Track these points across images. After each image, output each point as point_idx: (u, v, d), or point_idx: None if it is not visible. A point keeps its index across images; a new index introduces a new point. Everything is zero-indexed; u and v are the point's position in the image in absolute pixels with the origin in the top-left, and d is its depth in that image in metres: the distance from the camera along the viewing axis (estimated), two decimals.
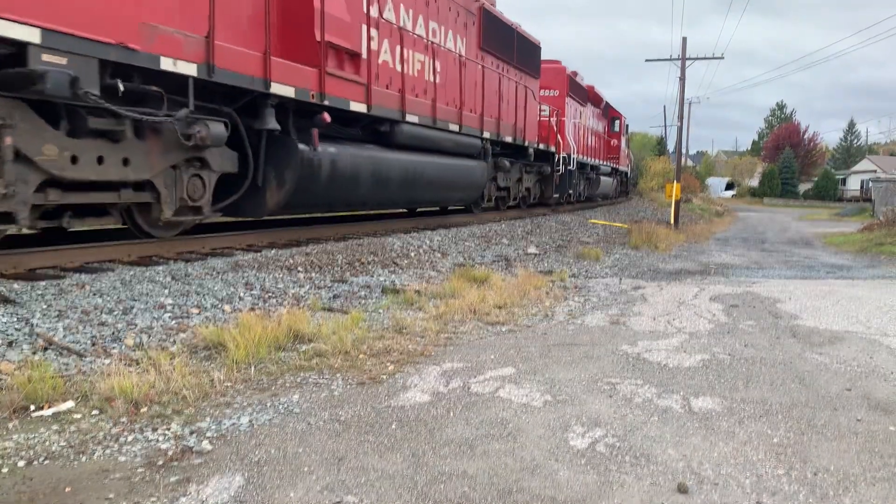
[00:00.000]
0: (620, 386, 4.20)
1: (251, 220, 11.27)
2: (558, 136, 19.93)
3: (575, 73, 23.23)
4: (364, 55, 9.65)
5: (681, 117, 24.32)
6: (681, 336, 5.70)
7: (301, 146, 8.59)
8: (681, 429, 3.50)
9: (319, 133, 8.80)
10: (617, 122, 32.37)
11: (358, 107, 9.63)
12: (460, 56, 13.18)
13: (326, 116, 8.87)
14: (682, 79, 24.07)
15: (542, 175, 19.64)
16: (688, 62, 24.40)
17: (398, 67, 10.75)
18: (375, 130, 10.69)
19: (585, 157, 24.52)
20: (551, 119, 19.64)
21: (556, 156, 19.73)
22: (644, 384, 4.25)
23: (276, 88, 7.89)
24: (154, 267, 6.55)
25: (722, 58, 27.66)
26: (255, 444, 3.15)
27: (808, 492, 2.83)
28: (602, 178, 28.45)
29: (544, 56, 18.82)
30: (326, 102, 8.74)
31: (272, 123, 8.12)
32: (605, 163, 29.46)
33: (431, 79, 11.98)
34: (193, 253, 7.63)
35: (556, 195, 20.52)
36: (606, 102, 30.60)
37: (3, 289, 5.18)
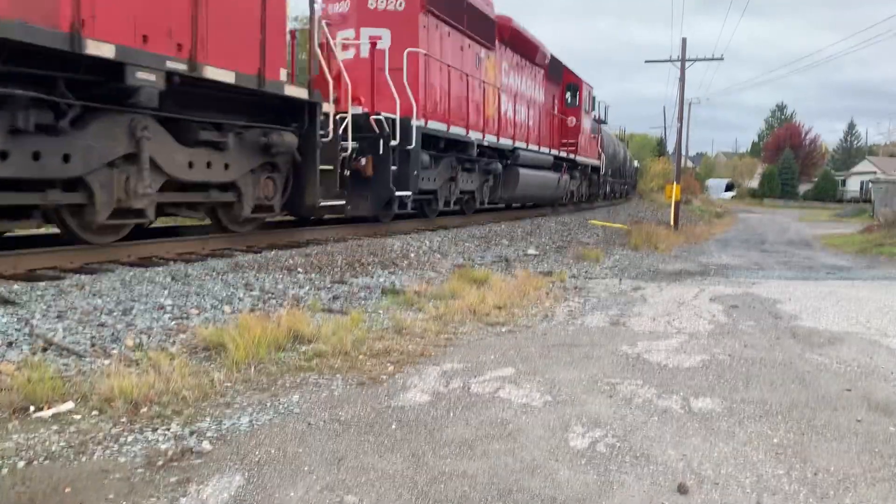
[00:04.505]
0: (620, 386, 4.20)
1: None
2: (343, 73, 9.91)
3: None
4: None
5: (680, 118, 24.30)
6: (681, 337, 5.69)
7: None
8: (681, 429, 3.50)
9: None
10: (575, 91, 22.22)
11: None
12: None
13: None
14: (682, 79, 24.05)
15: (300, 155, 9.02)
16: (687, 63, 24.36)
17: None
18: None
19: (475, 133, 14.12)
20: (331, 39, 10.38)
21: (320, 112, 9.06)
22: (644, 385, 4.24)
23: None
24: (154, 268, 6.55)
25: (721, 59, 27.62)
26: (255, 445, 3.15)
27: (809, 492, 2.83)
28: (531, 172, 17.44)
29: None
30: None
31: None
32: (541, 148, 18.92)
33: None
34: (193, 254, 7.63)
35: (348, 205, 10.07)
36: (553, 58, 20.17)
37: (2, 289, 5.17)
